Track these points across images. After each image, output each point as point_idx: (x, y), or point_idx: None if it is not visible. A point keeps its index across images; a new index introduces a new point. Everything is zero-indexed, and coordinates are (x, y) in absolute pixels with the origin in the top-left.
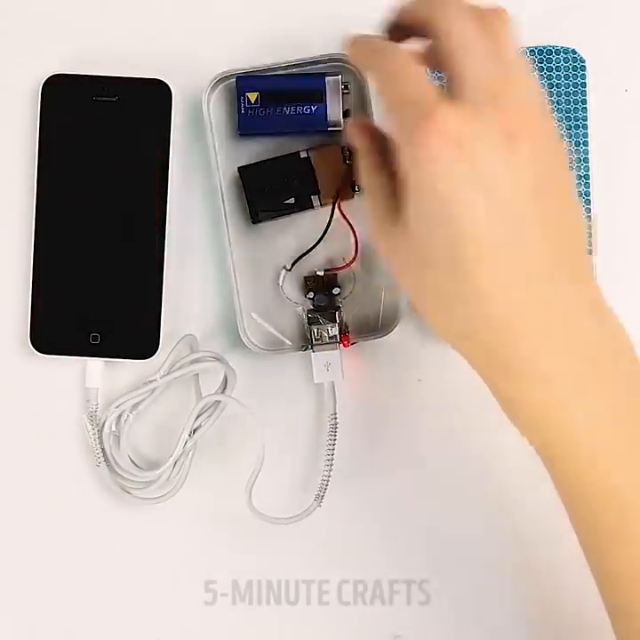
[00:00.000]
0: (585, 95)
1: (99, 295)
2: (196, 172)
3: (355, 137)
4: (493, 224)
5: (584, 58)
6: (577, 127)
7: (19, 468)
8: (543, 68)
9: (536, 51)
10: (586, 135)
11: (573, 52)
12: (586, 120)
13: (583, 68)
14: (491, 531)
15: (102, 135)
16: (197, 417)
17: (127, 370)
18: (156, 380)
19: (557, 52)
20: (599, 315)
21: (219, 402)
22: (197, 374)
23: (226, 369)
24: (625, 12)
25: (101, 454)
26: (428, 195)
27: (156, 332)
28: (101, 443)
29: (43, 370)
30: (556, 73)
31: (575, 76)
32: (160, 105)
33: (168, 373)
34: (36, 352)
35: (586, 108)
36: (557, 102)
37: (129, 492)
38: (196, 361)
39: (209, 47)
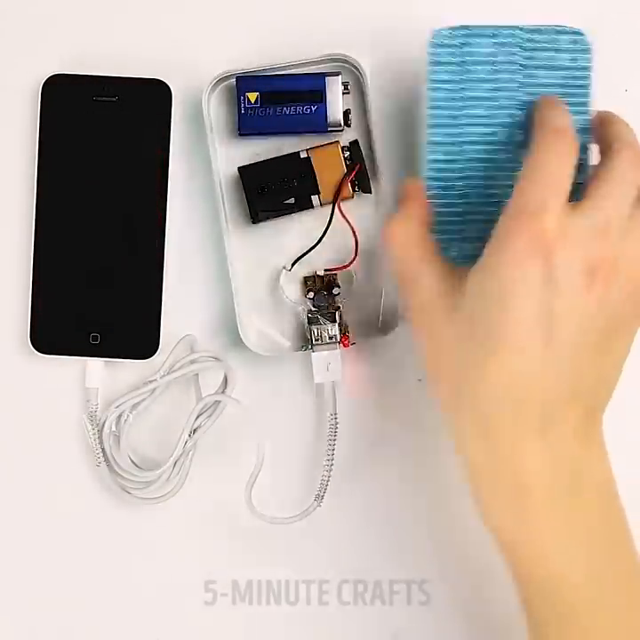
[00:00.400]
0: (588, 80)
1: (99, 295)
2: (196, 172)
3: (411, 200)
4: (533, 346)
5: (590, 41)
6: (579, 113)
7: (19, 467)
8: (548, 48)
9: (540, 30)
10: (587, 122)
11: (579, 33)
12: (588, 105)
13: (588, 51)
14: None
15: (102, 135)
16: (197, 417)
17: (127, 370)
18: (155, 379)
19: (565, 32)
20: (593, 449)
21: (218, 402)
22: (197, 374)
23: (226, 369)
24: (625, 12)
25: (101, 454)
26: (494, 277)
27: (155, 332)
28: (101, 443)
29: (43, 370)
30: (560, 54)
31: (579, 59)
32: (160, 105)
33: (168, 373)
34: (35, 352)
35: (588, 92)
36: (561, 85)
37: (129, 492)
38: (196, 361)
39: (209, 47)
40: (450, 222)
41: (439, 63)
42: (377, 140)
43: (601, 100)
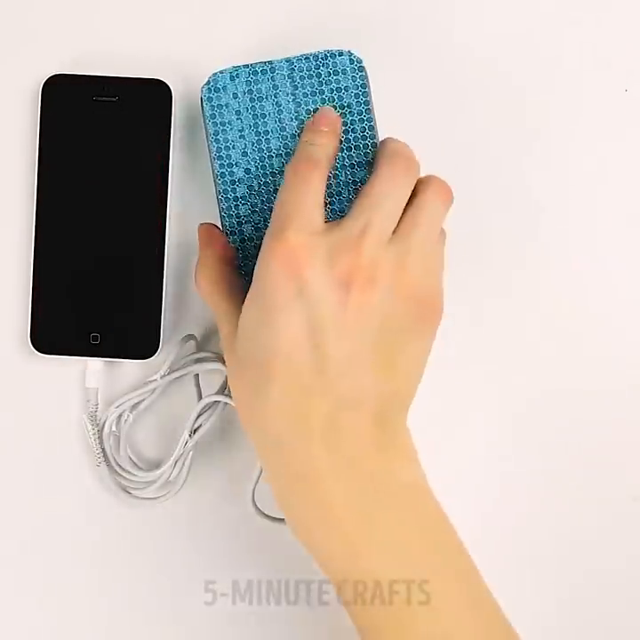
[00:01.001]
0: (367, 96)
1: (99, 295)
2: (196, 172)
3: (206, 244)
4: (303, 363)
5: (361, 58)
6: (363, 128)
7: (19, 468)
8: (321, 74)
9: (311, 57)
10: (373, 137)
11: (349, 53)
12: (371, 121)
13: (362, 69)
14: (489, 531)
15: (102, 135)
16: (198, 417)
17: (127, 370)
18: (156, 379)
19: (333, 55)
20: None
21: (219, 402)
22: (198, 374)
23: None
24: (625, 12)
25: (101, 454)
26: (257, 302)
27: (156, 332)
28: (101, 443)
29: (43, 370)
30: (335, 77)
31: (354, 78)
32: (160, 105)
33: (168, 373)
34: (36, 352)
35: (369, 108)
36: (341, 106)
37: (129, 492)
38: (197, 361)
39: (209, 47)
40: (251, 257)
41: (220, 106)
42: None
43: (601, 100)
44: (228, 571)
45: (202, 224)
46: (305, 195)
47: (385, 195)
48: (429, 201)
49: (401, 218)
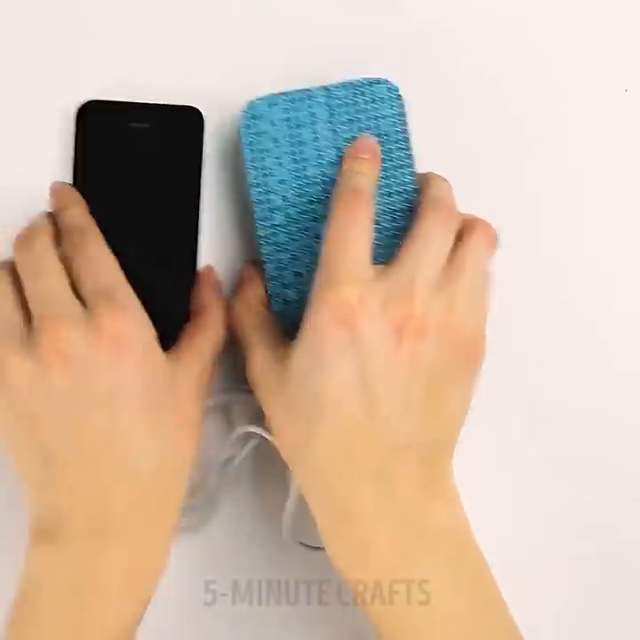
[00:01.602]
0: (404, 125)
1: None
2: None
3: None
4: (354, 407)
5: (397, 86)
6: (400, 158)
7: None
8: (359, 102)
9: (348, 85)
10: (410, 165)
11: (387, 81)
12: (409, 150)
13: (399, 97)
14: (489, 531)
15: (135, 161)
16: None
17: None
18: None
19: (371, 83)
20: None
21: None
22: (231, 405)
23: None
24: (624, 12)
25: None
26: (310, 348)
27: None
28: None
29: None
30: (373, 105)
31: (392, 106)
32: (193, 132)
33: None
34: None
35: (406, 137)
36: (378, 134)
37: None
38: (228, 390)
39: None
40: (288, 284)
41: (258, 133)
42: None
43: (601, 100)
44: (228, 571)
45: (245, 264)
46: (353, 233)
47: (431, 240)
48: (474, 245)
49: (448, 262)
